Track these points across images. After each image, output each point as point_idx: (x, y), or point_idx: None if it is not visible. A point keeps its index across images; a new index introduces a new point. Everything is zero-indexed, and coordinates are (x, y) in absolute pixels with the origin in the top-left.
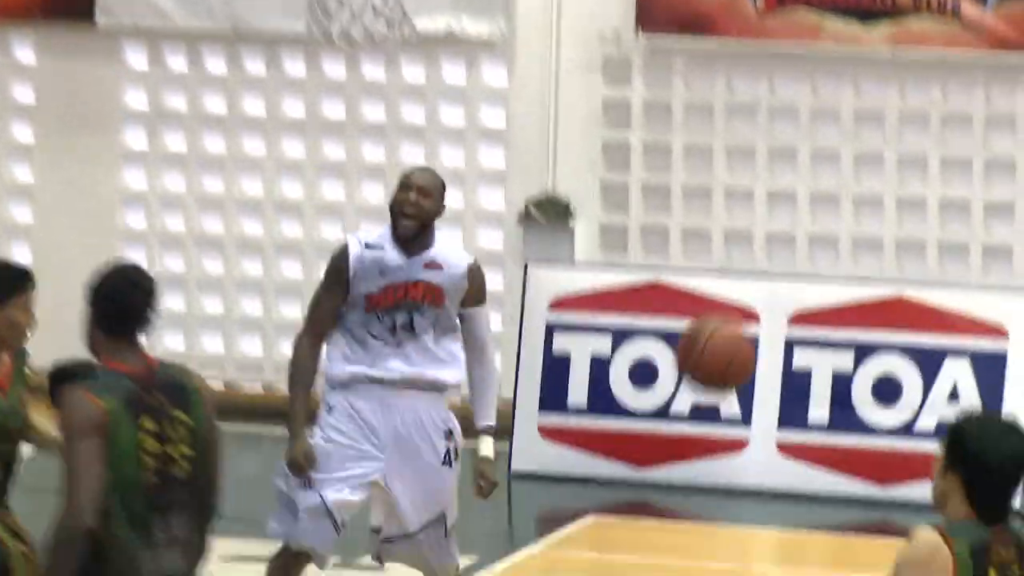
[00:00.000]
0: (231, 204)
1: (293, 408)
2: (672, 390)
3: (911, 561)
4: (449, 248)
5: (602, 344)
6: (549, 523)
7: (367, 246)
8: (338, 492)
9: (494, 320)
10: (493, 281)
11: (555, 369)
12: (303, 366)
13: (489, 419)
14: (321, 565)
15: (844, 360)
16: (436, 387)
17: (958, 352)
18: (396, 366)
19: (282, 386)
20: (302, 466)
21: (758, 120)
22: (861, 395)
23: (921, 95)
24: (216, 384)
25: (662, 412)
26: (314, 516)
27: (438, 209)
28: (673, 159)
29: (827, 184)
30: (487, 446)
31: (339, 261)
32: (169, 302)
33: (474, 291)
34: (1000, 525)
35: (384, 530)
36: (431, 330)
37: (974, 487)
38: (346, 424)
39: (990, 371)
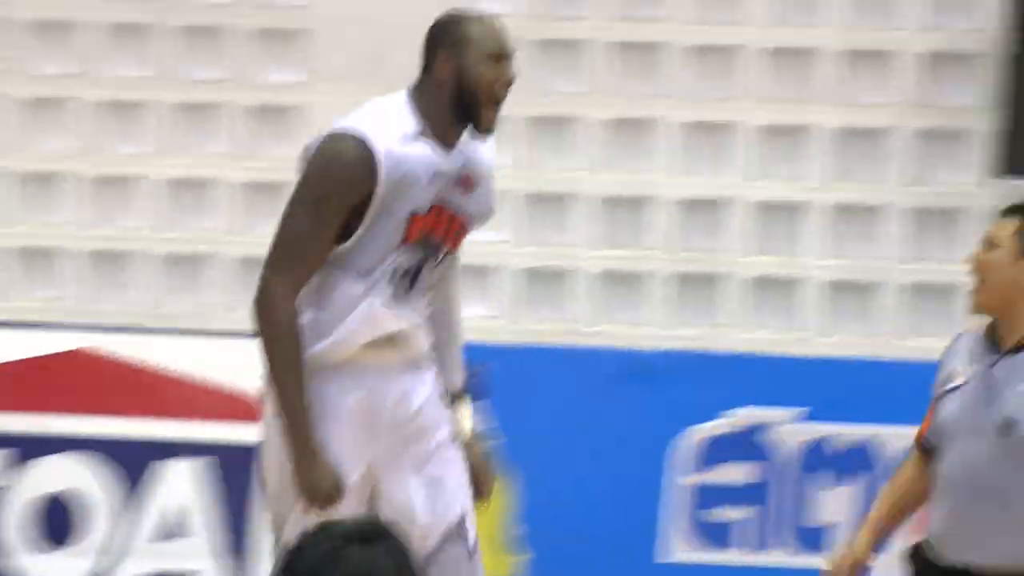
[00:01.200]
0: None
1: (295, 404)
2: (115, 554)
3: None
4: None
5: None
6: None
7: (402, 141)
8: None
9: None
10: None
11: None
12: (293, 334)
13: (463, 377)
14: None
15: None
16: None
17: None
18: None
19: None
20: (331, 496)
21: None
22: None
23: None
24: None
25: None
26: None
27: None
28: None
29: None
30: (471, 415)
31: (354, 170)
32: None
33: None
34: None
35: None
36: (429, 288)
37: None
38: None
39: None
